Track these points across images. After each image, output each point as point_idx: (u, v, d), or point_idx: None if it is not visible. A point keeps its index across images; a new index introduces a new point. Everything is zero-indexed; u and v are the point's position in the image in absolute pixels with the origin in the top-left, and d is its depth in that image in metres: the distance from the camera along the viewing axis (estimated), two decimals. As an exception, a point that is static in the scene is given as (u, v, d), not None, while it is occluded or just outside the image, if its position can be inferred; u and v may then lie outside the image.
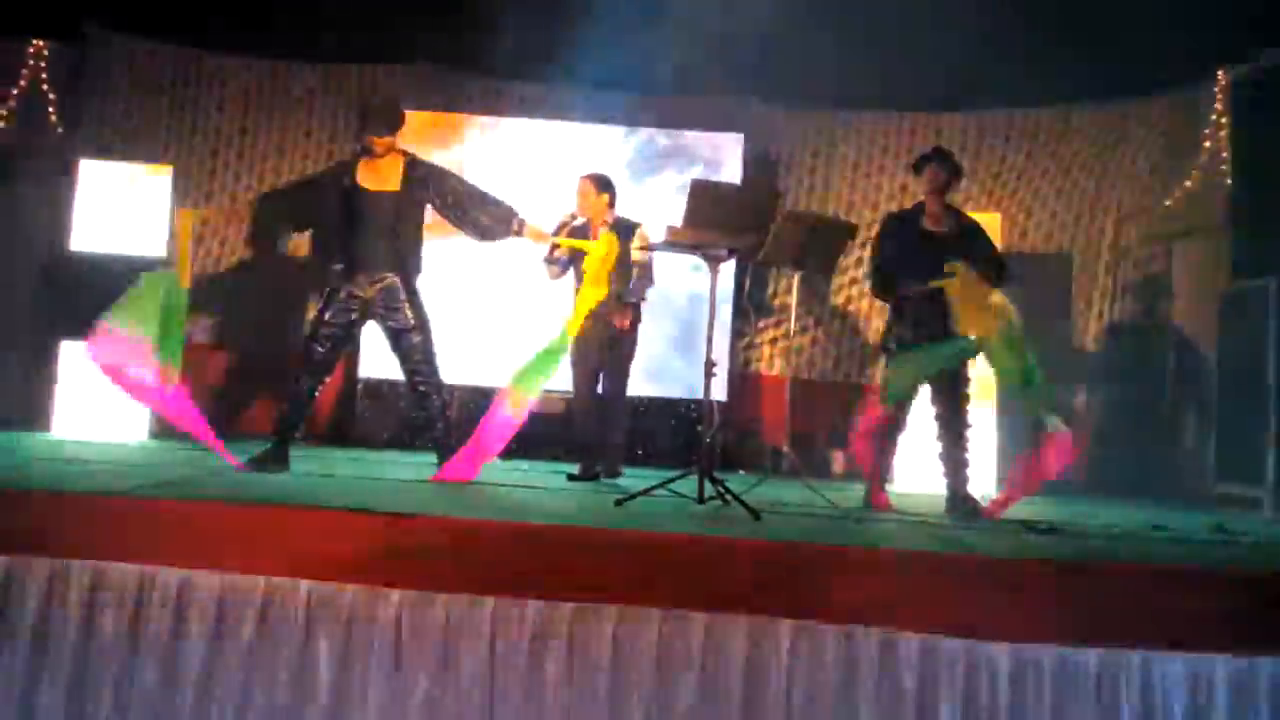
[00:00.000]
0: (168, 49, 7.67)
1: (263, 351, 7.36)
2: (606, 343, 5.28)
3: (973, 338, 4.24)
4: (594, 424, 5.35)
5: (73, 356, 6.30)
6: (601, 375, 5.36)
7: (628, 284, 5.29)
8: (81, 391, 6.30)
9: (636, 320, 5.38)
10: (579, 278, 5.27)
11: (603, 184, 5.30)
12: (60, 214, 6.74)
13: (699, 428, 4.20)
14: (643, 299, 5.43)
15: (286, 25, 7.29)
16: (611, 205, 5.33)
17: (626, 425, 5.38)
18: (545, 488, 4.57)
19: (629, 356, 5.37)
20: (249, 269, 7.54)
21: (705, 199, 3.80)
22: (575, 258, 5.19)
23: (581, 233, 5.21)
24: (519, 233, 4.48)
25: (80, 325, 6.22)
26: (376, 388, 7.35)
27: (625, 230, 5.29)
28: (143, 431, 6.37)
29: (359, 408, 7.39)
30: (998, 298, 4.21)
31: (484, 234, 4.61)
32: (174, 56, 7.70)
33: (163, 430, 6.28)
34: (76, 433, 6.22)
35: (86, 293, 6.27)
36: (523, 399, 4.12)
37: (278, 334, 7.34)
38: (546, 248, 5.06)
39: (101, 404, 6.25)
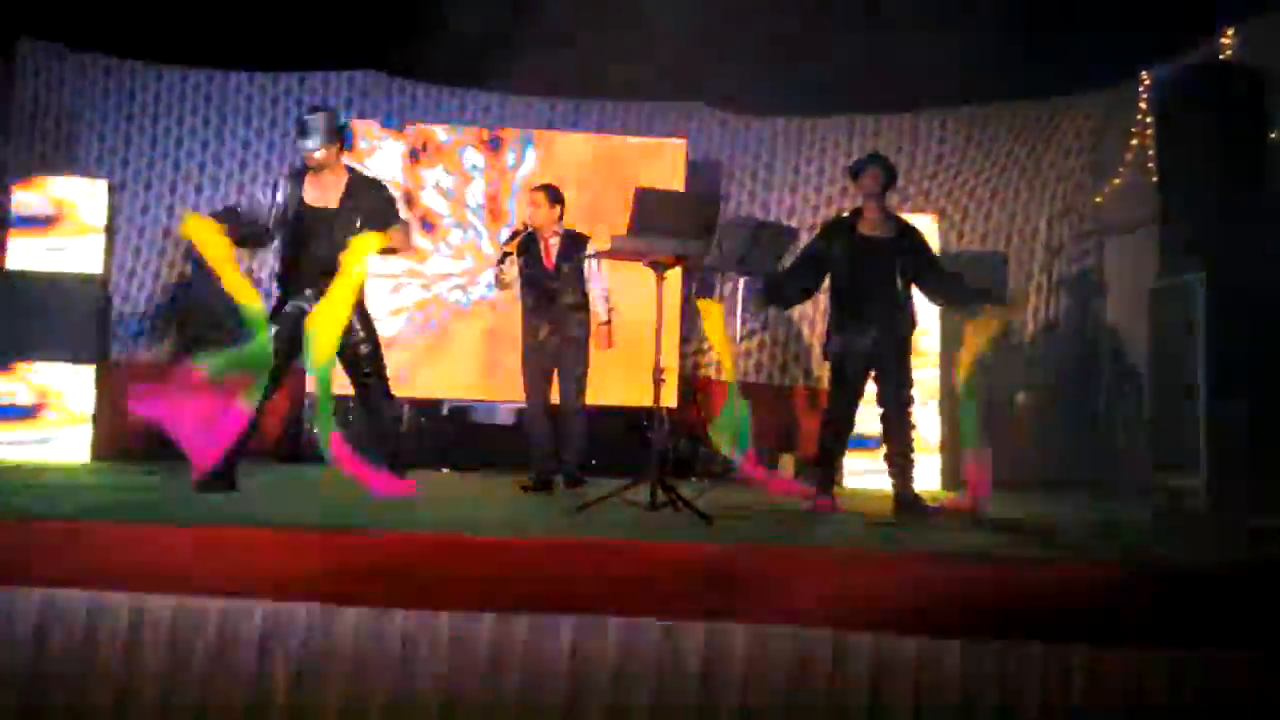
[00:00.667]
0: (100, 59, 7.55)
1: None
2: (561, 351, 5.32)
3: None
4: (548, 433, 5.36)
5: (9, 379, 6.19)
6: (558, 383, 5.38)
7: (581, 296, 5.36)
8: (22, 414, 6.19)
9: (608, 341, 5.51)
10: (528, 292, 5.32)
11: (554, 196, 5.36)
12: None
13: (650, 434, 4.23)
14: (611, 310, 5.52)
15: (223, 34, 7.20)
16: (560, 218, 5.39)
17: (584, 433, 5.39)
18: (496, 500, 4.58)
19: (585, 364, 5.40)
20: (197, 287, 7.43)
21: (650, 206, 3.84)
22: (524, 265, 5.26)
23: (530, 243, 5.27)
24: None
25: (17, 346, 6.18)
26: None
27: (576, 241, 5.35)
28: (84, 453, 6.26)
29: (305, 424, 7.31)
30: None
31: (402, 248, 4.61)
32: (107, 67, 7.57)
33: (105, 452, 6.19)
34: (15, 456, 6.09)
35: (25, 312, 6.18)
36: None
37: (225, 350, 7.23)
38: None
39: (39, 426, 6.16)
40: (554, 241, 5.35)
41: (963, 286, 4.74)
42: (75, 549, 2.89)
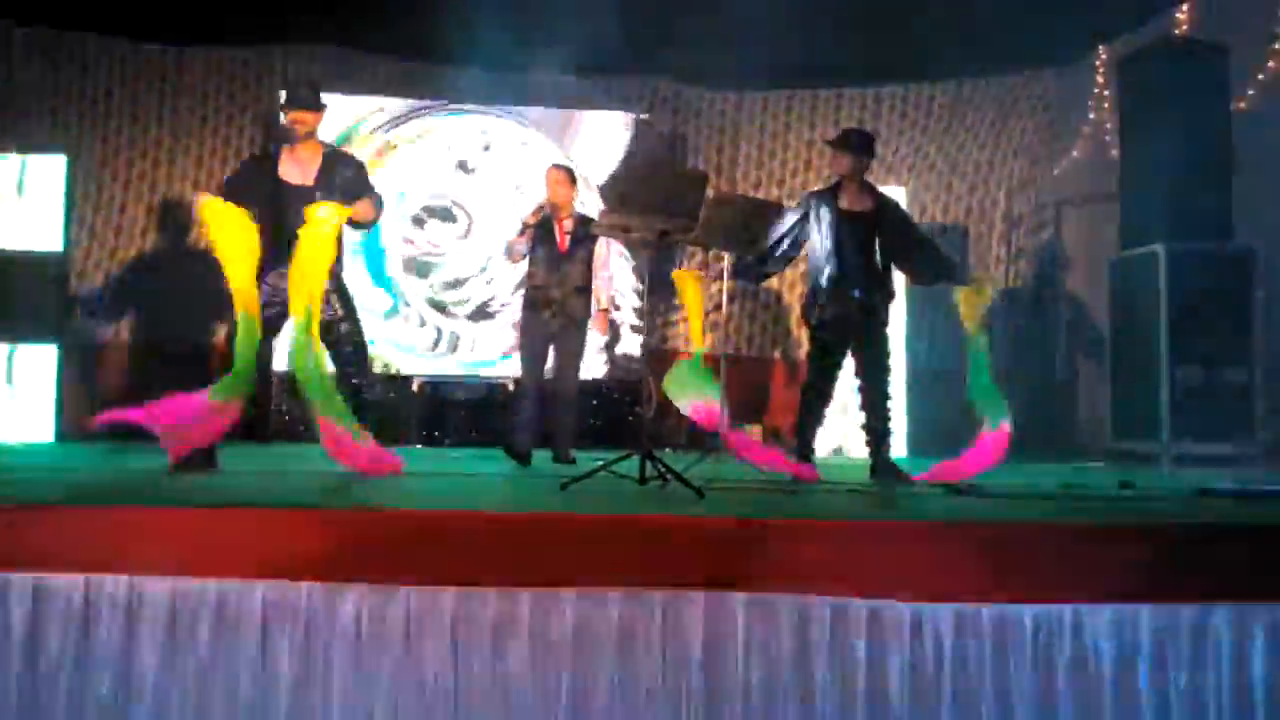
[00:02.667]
0: (52, 33, 7.32)
1: (181, 349, 7.13)
2: (561, 332, 5.38)
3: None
4: (537, 408, 5.39)
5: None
6: (553, 360, 5.45)
7: (587, 280, 5.43)
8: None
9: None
10: (541, 261, 5.36)
11: (572, 177, 5.46)
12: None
13: (637, 409, 4.26)
14: (612, 301, 5.68)
15: (178, 8, 7.02)
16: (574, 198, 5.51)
17: (576, 412, 5.47)
18: (484, 474, 4.57)
19: (583, 345, 5.49)
20: (160, 263, 7.30)
21: (635, 183, 3.84)
22: (536, 242, 5.26)
23: (546, 222, 5.29)
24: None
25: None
26: (292, 381, 7.20)
27: (587, 225, 5.41)
28: (49, 432, 6.15)
29: (274, 402, 7.23)
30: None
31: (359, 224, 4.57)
32: (59, 41, 7.35)
33: (70, 431, 6.08)
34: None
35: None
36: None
37: (195, 330, 7.14)
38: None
39: (3, 408, 6.03)
40: (568, 224, 5.40)
41: (936, 263, 4.81)
42: (68, 533, 2.85)
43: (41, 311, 6.14)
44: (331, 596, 2.81)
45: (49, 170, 6.36)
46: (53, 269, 6.24)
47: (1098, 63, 7.40)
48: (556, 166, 5.51)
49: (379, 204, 4.45)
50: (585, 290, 5.44)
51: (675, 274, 4.64)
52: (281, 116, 4.34)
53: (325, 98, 4.43)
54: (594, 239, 5.41)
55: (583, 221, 5.43)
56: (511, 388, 6.01)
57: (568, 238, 5.37)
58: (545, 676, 2.80)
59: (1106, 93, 7.31)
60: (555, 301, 5.33)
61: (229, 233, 3.69)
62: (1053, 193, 7.87)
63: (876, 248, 4.63)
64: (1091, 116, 7.46)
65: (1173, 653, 2.88)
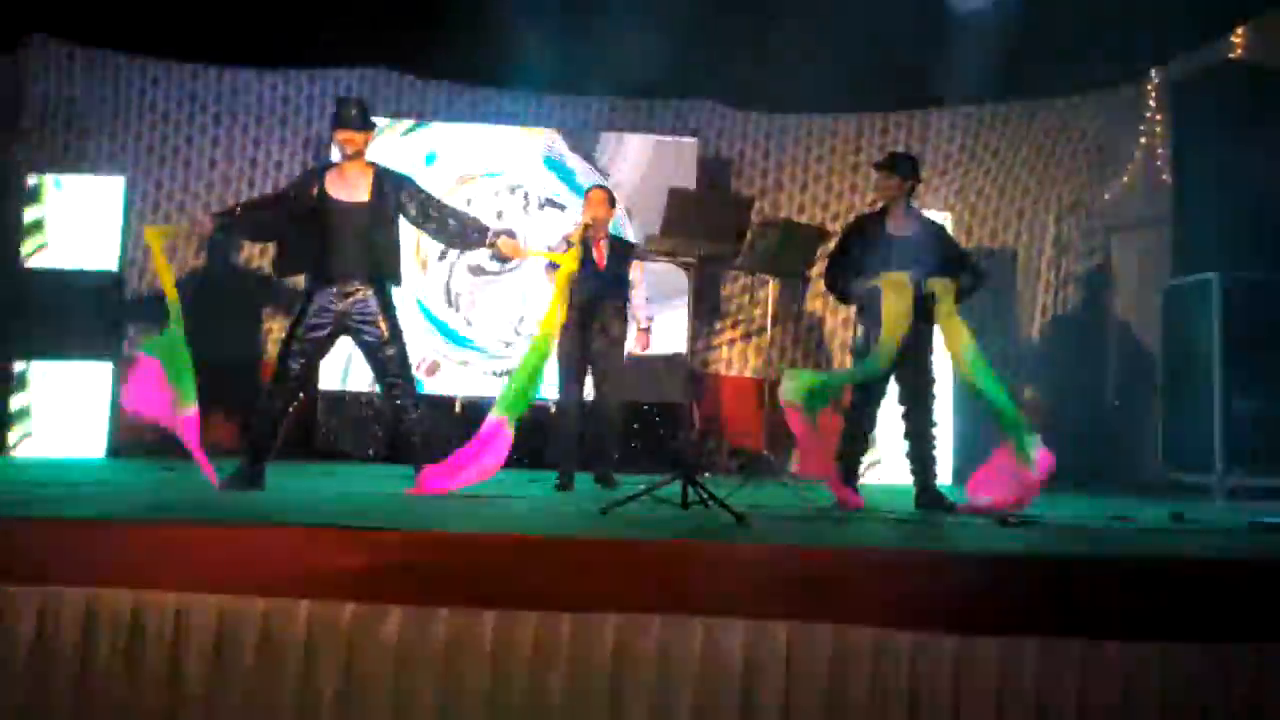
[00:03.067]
0: (111, 57, 7.53)
1: (223, 367, 7.24)
2: (602, 351, 5.38)
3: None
4: (576, 432, 5.40)
5: (28, 376, 6.20)
6: (595, 382, 5.44)
7: (625, 300, 5.47)
8: (39, 412, 6.20)
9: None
10: (579, 280, 5.33)
11: (612, 198, 5.50)
12: (7, 230, 6.59)
13: (678, 433, 4.25)
14: (650, 319, 5.68)
15: (233, 31, 7.19)
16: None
17: (619, 434, 5.48)
18: (527, 497, 4.58)
19: (623, 365, 5.48)
20: (203, 282, 7.43)
21: (682, 207, 3.86)
22: (577, 270, 5.31)
23: (585, 242, 5.29)
24: (494, 244, 4.47)
25: (34, 344, 6.18)
26: (337, 400, 7.30)
27: (624, 246, 5.46)
28: (101, 449, 6.27)
29: (320, 421, 7.32)
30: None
31: (455, 240, 4.60)
32: (117, 65, 7.55)
33: (123, 449, 6.20)
34: (33, 454, 6.11)
35: (41, 311, 6.19)
36: (511, 421, 4.20)
37: (236, 348, 7.25)
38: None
39: (58, 424, 6.17)
40: (604, 244, 5.43)
41: (972, 278, 4.78)
42: (119, 550, 2.90)
43: (96, 329, 6.27)
44: (373, 616, 2.83)
45: (107, 191, 6.51)
46: (109, 288, 6.37)
47: (1150, 86, 7.31)
48: (598, 187, 5.54)
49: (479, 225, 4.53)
50: (622, 310, 5.47)
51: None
52: (330, 136, 4.41)
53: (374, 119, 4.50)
54: (629, 259, 5.43)
55: (619, 241, 5.46)
56: (551, 410, 5.99)
57: (605, 257, 5.39)
58: (583, 699, 2.80)
59: (1158, 117, 7.22)
60: (596, 319, 5.33)
61: (161, 257, 4.39)
62: (1102, 218, 7.76)
63: (924, 272, 4.59)
64: (1142, 141, 7.36)
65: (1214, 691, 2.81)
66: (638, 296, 5.57)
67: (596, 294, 5.34)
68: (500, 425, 4.20)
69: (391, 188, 4.41)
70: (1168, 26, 6.59)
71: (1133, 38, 6.66)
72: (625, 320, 5.49)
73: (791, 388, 4.06)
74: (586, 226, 5.30)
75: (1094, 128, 7.77)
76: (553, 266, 5.32)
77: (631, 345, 5.59)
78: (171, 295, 4.26)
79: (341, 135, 4.36)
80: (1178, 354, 6.14)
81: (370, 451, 7.16)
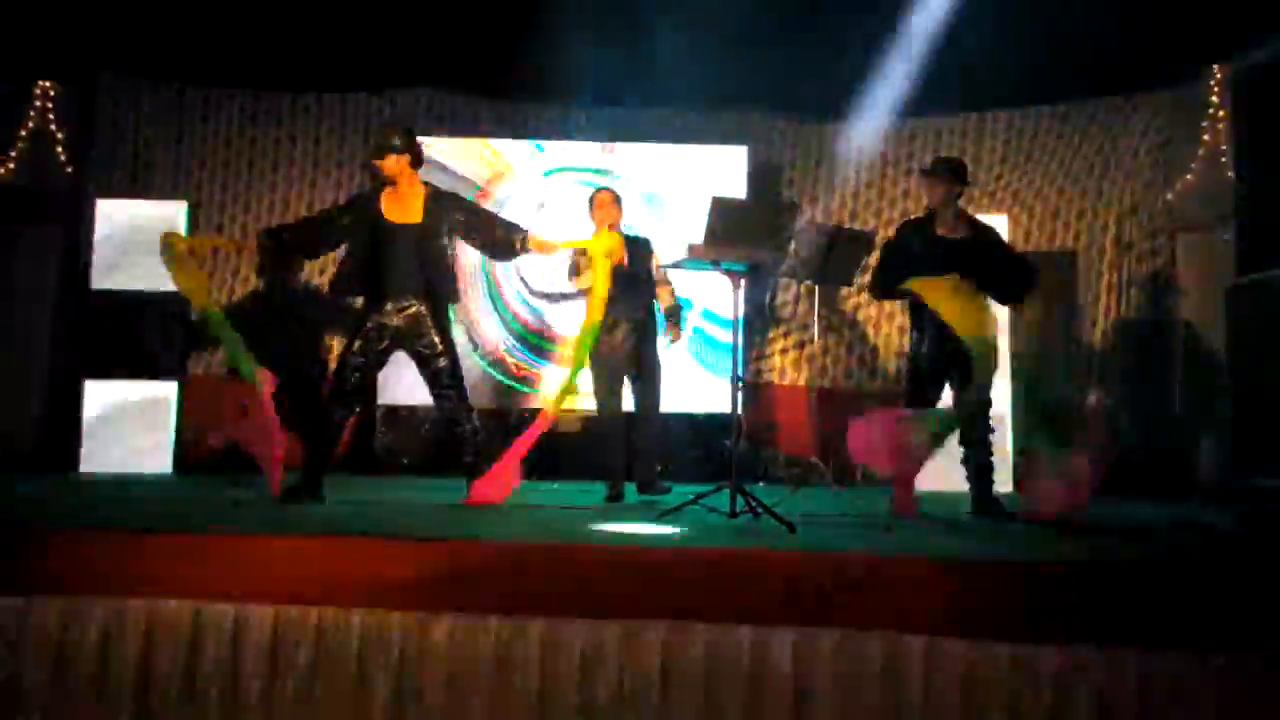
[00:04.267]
0: (172, 85, 7.75)
1: (284, 384, 7.39)
2: (636, 354, 5.33)
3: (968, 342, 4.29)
4: (622, 440, 5.36)
5: (97, 394, 6.40)
6: (635, 389, 5.40)
7: (650, 296, 5.42)
8: (105, 429, 6.39)
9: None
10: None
11: (618, 198, 5.42)
12: (78, 253, 6.82)
13: (725, 441, 4.24)
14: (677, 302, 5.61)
15: (292, 57, 7.38)
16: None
17: (663, 438, 5.39)
18: (579, 508, 4.60)
19: (657, 362, 5.42)
20: (262, 300, 7.61)
21: (725, 215, 3.86)
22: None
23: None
24: (525, 247, 4.56)
25: (102, 362, 6.40)
26: (395, 414, 7.42)
27: (639, 243, 5.39)
28: (167, 465, 6.44)
29: (379, 435, 7.44)
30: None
31: (497, 252, 4.73)
32: (182, 93, 7.78)
33: (188, 465, 6.36)
34: (102, 470, 6.29)
35: (108, 331, 6.41)
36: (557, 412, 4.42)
37: (297, 366, 7.40)
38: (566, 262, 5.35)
39: (125, 441, 6.34)
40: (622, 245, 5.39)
41: (1024, 278, 4.71)
42: (179, 561, 2.97)
43: (161, 349, 6.45)
44: (426, 625, 2.87)
45: (171, 215, 6.70)
46: (174, 308, 6.55)
47: (1212, 83, 7.14)
48: (604, 189, 5.48)
49: (517, 229, 4.61)
50: (650, 306, 5.42)
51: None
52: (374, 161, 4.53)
53: (430, 140, 4.60)
54: (649, 256, 5.38)
55: (635, 240, 5.38)
56: (594, 419, 5.97)
57: (625, 257, 5.32)
58: (632, 707, 2.80)
59: (1221, 114, 7.05)
60: (626, 323, 5.27)
61: (183, 262, 4.65)
62: (1166, 218, 7.58)
63: (973, 275, 4.54)
64: (1205, 139, 7.19)
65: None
66: (665, 293, 5.49)
67: (619, 300, 5.26)
68: (543, 419, 4.37)
69: (442, 205, 4.50)
70: (1229, 22, 6.44)
71: (1193, 34, 6.51)
72: (654, 318, 5.43)
73: (924, 439, 4.12)
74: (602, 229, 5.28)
75: (1155, 126, 7.60)
76: (574, 271, 5.35)
77: (663, 338, 5.49)
78: (201, 300, 4.76)
79: (377, 163, 4.51)
80: (1244, 354, 5.96)
81: (429, 464, 7.24)
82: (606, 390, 5.32)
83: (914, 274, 4.61)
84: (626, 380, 5.38)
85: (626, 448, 5.37)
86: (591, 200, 5.43)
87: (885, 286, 4.71)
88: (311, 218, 4.91)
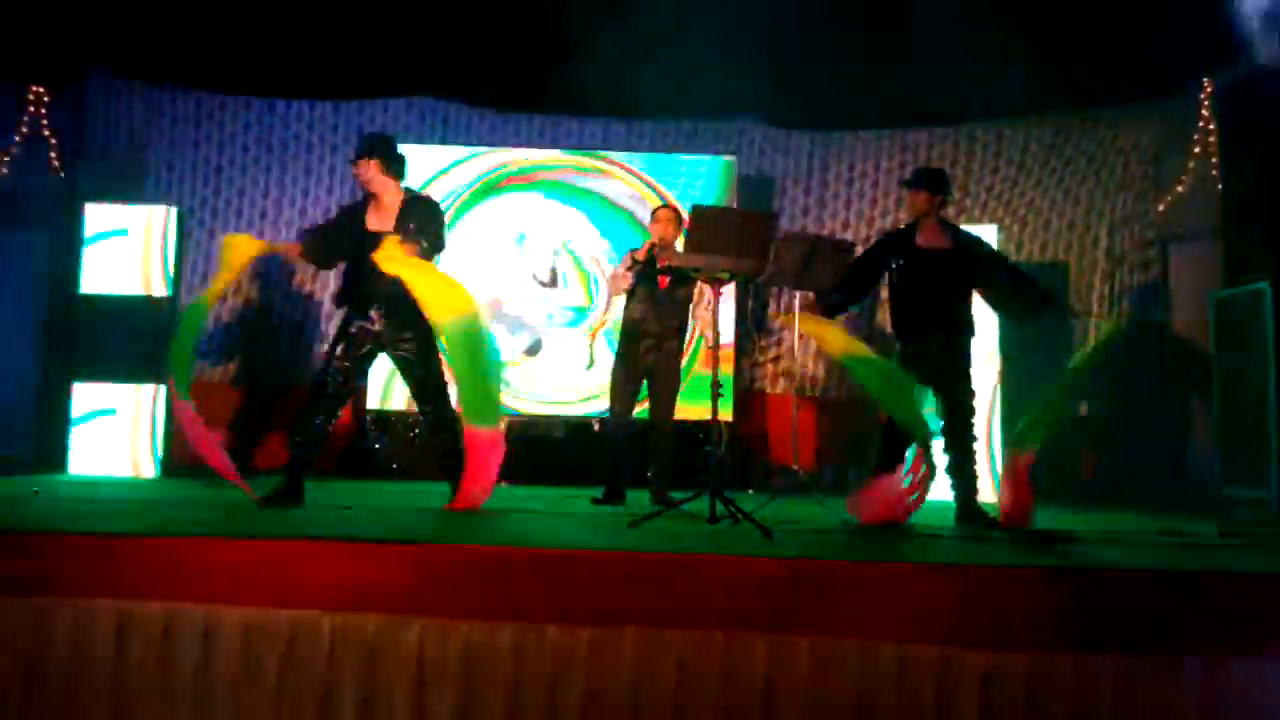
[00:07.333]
0: (167, 89, 7.77)
1: (275, 387, 7.42)
2: (656, 368, 5.36)
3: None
4: (626, 446, 5.42)
5: (85, 397, 6.40)
6: (650, 398, 5.43)
7: (684, 319, 5.40)
8: (94, 432, 6.39)
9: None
10: (641, 297, 5.34)
11: (680, 216, 5.38)
12: (67, 256, 6.82)
13: (707, 448, 4.25)
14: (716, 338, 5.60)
15: (284, 64, 7.40)
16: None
17: (672, 449, 5.40)
18: (559, 514, 4.60)
19: (678, 382, 5.44)
20: (259, 307, 7.62)
21: (706, 223, 3.87)
22: (640, 288, 5.31)
23: (651, 260, 5.27)
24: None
25: (90, 366, 6.40)
26: (384, 420, 7.41)
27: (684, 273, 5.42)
28: (152, 469, 6.44)
29: (368, 440, 7.44)
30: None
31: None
32: (173, 97, 7.80)
33: (174, 467, 6.35)
34: (90, 472, 6.30)
35: (97, 334, 6.42)
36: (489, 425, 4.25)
37: (291, 370, 7.42)
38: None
39: (112, 443, 6.35)
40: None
41: (1033, 297, 4.69)
42: (151, 563, 2.97)
43: (149, 353, 6.44)
44: (396, 628, 2.86)
45: (162, 219, 6.72)
46: (163, 313, 6.56)
47: (1202, 95, 7.16)
48: (666, 206, 5.55)
49: (427, 249, 4.51)
50: (682, 329, 5.41)
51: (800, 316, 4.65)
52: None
53: (420, 149, 4.60)
54: (692, 280, 5.30)
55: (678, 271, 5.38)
56: (597, 427, 6.01)
57: (669, 276, 5.31)
58: (602, 714, 2.79)
59: (1211, 126, 7.06)
60: (653, 336, 5.29)
61: (240, 267, 4.59)
62: (1157, 229, 7.59)
63: (956, 285, 4.55)
64: (1195, 150, 7.21)
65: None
66: (702, 315, 5.41)
67: (657, 311, 5.31)
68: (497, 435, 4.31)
69: (406, 211, 4.49)
70: (1218, 34, 6.45)
71: (1183, 46, 6.52)
72: (681, 339, 5.42)
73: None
74: (653, 246, 5.30)
75: (1146, 138, 7.63)
76: (618, 278, 5.36)
77: (696, 363, 5.51)
78: (211, 300, 4.61)
79: (354, 169, 4.56)
80: (1230, 365, 5.98)
81: (416, 469, 7.23)
82: (619, 395, 5.40)
83: (893, 287, 4.64)
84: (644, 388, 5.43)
85: (627, 453, 5.42)
86: (654, 214, 5.49)
87: (839, 293, 4.74)
88: (320, 226, 4.92)
